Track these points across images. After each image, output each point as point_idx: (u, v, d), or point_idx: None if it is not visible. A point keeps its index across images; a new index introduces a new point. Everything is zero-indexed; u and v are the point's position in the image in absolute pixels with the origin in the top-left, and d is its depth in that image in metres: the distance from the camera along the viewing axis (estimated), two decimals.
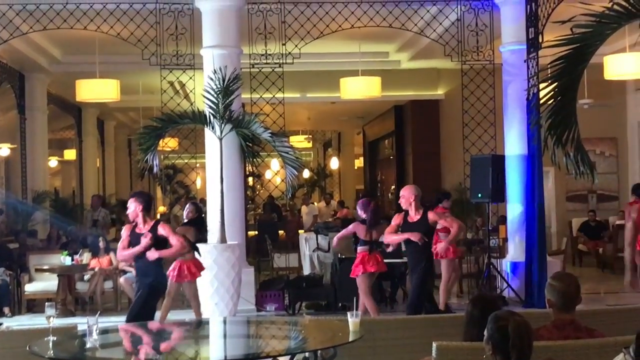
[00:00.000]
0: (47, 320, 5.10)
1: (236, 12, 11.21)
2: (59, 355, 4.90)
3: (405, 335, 5.72)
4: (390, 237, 8.49)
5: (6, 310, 11.08)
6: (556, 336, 4.27)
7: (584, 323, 4.41)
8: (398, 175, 18.84)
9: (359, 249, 8.88)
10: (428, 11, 12.11)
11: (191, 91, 11.81)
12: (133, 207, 7.34)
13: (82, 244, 12.61)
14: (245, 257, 11.68)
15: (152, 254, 7.26)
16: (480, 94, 12.14)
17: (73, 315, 10.81)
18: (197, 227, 9.77)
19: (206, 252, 9.68)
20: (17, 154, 16.40)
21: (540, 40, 10.47)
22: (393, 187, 19.22)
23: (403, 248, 9.39)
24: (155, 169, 10.87)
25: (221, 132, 10.10)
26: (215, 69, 10.21)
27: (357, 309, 5.33)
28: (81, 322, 5.72)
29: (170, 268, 9.38)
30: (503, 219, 12.37)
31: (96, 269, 11.60)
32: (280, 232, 18.17)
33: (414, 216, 8.35)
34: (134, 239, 7.33)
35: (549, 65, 6.24)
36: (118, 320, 7.87)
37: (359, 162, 26.64)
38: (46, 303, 5.37)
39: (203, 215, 10.60)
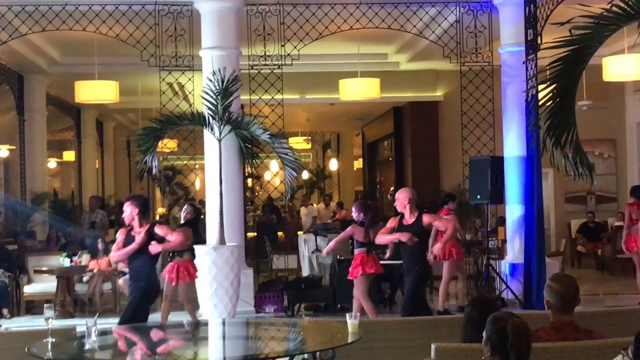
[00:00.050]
0: (46, 321, 5.10)
1: (235, 14, 11.22)
2: (57, 357, 4.91)
3: (404, 336, 5.73)
4: (382, 238, 8.45)
5: (5, 311, 11.08)
6: (555, 337, 4.27)
7: (582, 324, 4.41)
8: (397, 176, 18.86)
9: (357, 250, 8.84)
10: (427, 13, 12.11)
11: (190, 92, 11.80)
12: (129, 211, 7.33)
13: (81, 245, 12.61)
14: (244, 258, 11.67)
15: (155, 248, 7.25)
16: (479, 95, 12.12)
17: (72, 316, 10.81)
18: (195, 229, 9.76)
19: (205, 254, 9.68)
20: (16, 155, 16.38)
21: (539, 41, 10.47)
22: (392, 188, 19.17)
23: None
24: (154, 171, 10.86)
25: (220, 134, 10.09)
26: (214, 71, 10.19)
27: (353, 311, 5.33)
28: (80, 324, 5.73)
29: (167, 269, 9.37)
30: (502, 221, 12.37)
31: (95, 271, 11.60)
32: (279, 233, 18.16)
33: (409, 219, 8.27)
34: (129, 243, 7.31)
35: (547, 67, 6.25)
36: (117, 322, 7.85)
37: (358, 164, 26.63)
38: (45, 304, 5.37)
39: (201, 216, 10.60)
